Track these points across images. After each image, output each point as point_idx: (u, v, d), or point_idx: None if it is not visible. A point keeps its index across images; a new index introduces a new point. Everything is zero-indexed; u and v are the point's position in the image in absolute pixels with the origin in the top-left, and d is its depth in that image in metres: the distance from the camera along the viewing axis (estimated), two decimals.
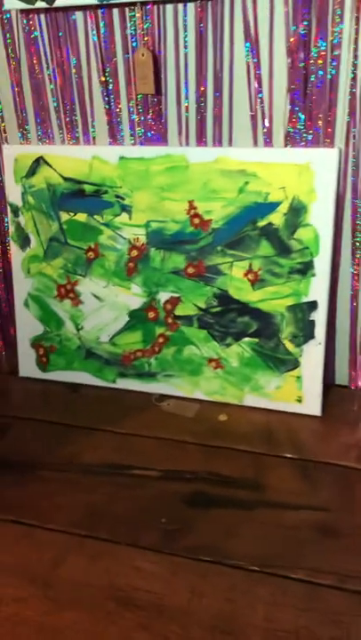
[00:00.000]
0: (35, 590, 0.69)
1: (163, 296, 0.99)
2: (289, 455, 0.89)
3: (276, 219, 0.90)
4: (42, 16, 0.91)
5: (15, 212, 1.03)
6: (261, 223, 0.91)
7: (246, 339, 0.97)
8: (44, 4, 0.87)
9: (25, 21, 0.92)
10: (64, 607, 0.67)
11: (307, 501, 0.80)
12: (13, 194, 1.02)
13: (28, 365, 1.11)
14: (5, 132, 1.02)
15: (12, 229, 1.05)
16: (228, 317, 0.97)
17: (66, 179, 0.98)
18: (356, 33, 0.79)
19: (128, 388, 1.06)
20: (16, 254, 1.06)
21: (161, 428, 0.96)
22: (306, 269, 0.91)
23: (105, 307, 1.03)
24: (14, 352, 1.14)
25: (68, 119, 0.98)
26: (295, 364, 0.95)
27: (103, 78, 0.92)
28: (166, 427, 0.97)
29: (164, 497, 0.82)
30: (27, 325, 1.09)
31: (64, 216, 1.01)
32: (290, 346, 0.95)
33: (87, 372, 1.07)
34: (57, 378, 1.10)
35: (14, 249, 1.06)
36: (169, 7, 0.85)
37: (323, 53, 0.81)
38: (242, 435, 0.94)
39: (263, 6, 0.82)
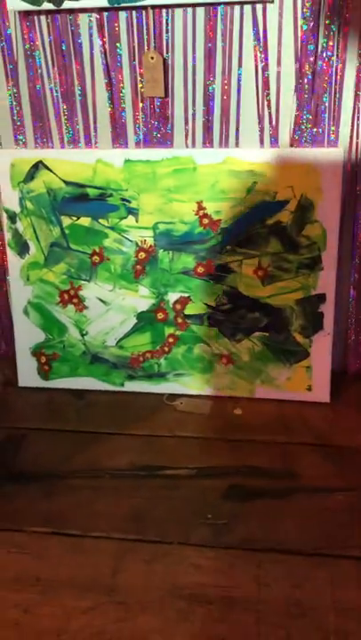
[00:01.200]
0: (100, 599, 0.69)
1: (172, 297, 1.00)
2: (309, 442, 0.93)
3: (285, 217, 0.94)
4: (42, 17, 0.89)
5: (12, 218, 1.00)
6: (270, 221, 0.94)
7: (257, 333, 1.00)
8: (50, 6, 0.85)
9: (28, 24, 0.89)
10: (135, 612, 0.67)
11: (339, 484, 0.84)
12: (10, 200, 1.00)
13: (27, 375, 1.08)
14: None
15: (8, 236, 1.02)
16: (239, 314, 0.99)
17: (68, 183, 0.97)
18: None
19: (137, 391, 1.06)
20: (14, 262, 1.03)
21: (180, 426, 0.98)
22: (314, 264, 0.95)
23: (111, 310, 1.03)
24: (9, 362, 1.12)
25: (69, 123, 0.96)
26: (305, 355, 1.00)
27: (108, 81, 0.91)
28: (185, 425, 0.98)
29: (203, 494, 0.84)
30: (26, 334, 1.06)
31: (66, 220, 0.99)
32: (299, 338, 0.99)
33: (93, 377, 1.06)
34: (60, 385, 1.08)
35: (11, 256, 1.03)
36: (178, 11, 0.86)
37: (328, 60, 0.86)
38: (260, 426, 0.97)
39: (273, 11, 0.84)
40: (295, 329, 0.99)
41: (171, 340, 1.03)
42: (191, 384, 1.04)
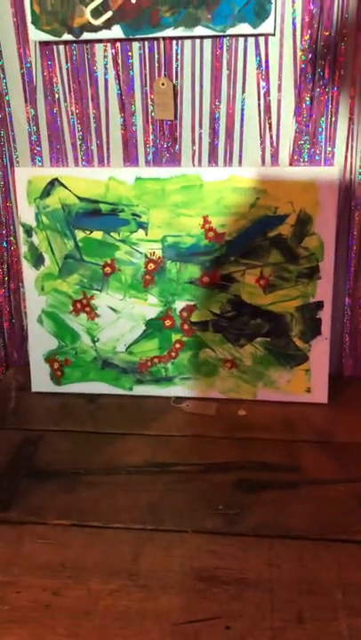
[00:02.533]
0: (124, 582, 0.74)
1: (179, 305, 1.07)
2: (311, 439, 1.00)
3: (285, 230, 1.01)
4: (61, 47, 0.96)
5: (28, 232, 1.07)
6: (271, 234, 1.01)
7: (259, 339, 1.06)
8: (69, 37, 0.93)
9: (47, 52, 0.97)
10: (157, 593, 0.73)
11: (341, 476, 0.91)
12: (26, 214, 1.06)
13: (40, 380, 1.14)
14: (17, 156, 1.06)
15: (24, 249, 1.08)
16: (242, 320, 1.06)
17: (82, 199, 1.04)
18: None
19: (145, 394, 1.12)
20: (29, 273, 1.09)
21: (188, 427, 1.03)
22: (312, 273, 1.02)
23: (121, 318, 1.09)
24: (21, 370, 1.18)
25: (84, 144, 1.03)
26: (304, 359, 1.07)
27: (121, 106, 0.99)
28: (192, 425, 1.04)
29: (214, 487, 0.89)
30: (40, 342, 1.12)
31: (80, 234, 1.06)
32: (299, 342, 1.06)
33: (104, 381, 1.12)
34: (72, 390, 1.13)
35: (27, 268, 1.09)
36: (187, 42, 0.94)
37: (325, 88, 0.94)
38: (264, 425, 1.03)
39: (274, 43, 0.93)
40: (295, 334, 1.06)
41: (177, 345, 1.09)
42: (197, 387, 1.10)
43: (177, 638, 0.67)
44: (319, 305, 1.04)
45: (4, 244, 1.12)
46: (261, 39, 0.93)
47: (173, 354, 1.10)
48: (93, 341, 1.11)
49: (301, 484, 0.90)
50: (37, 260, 1.08)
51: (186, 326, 1.08)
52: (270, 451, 0.97)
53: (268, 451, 0.97)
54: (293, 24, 0.91)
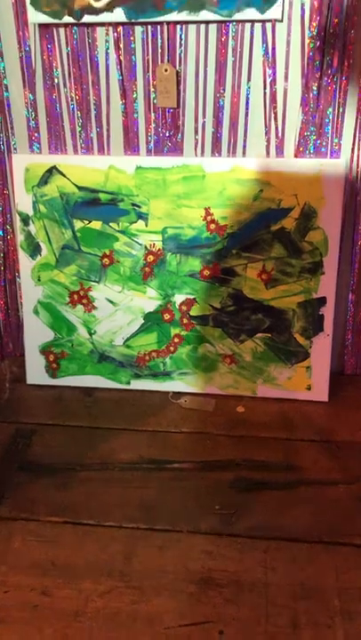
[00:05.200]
0: (115, 583, 0.73)
1: (178, 298, 1.04)
2: (310, 437, 0.97)
3: (289, 223, 0.98)
4: (61, 30, 0.93)
5: (25, 220, 1.04)
6: (275, 227, 0.99)
7: (260, 334, 1.04)
8: (70, 19, 0.89)
9: (47, 36, 0.94)
10: (150, 595, 0.71)
11: (339, 476, 0.89)
12: (24, 203, 1.03)
13: (36, 372, 1.12)
14: (15, 142, 1.03)
15: (21, 238, 1.05)
16: (243, 315, 1.04)
17: (80, 188, 1.01)
18: None
19: (143, 389, 1.10)
20: (25, 263, 1.06)
21: (185, 423, 1.01)
22: (316, 268, 1.00)
23: (119, 311, 1.06)
24: (17, 361, 1.15)
25: (83, 131, 1.00)
26: (305, 356, 1.04)
27: (122, 92, 0.96)
28: (190, 421, 1.02)
29: (211, 485, 0.88)
30: (35, 333, 1.10)
31: (78, 224, 1.03)
32: (300, 339, 1.04)
33: (100, 375, 1.10)
34: (68, 383, 1.11)
35: (23, 258, 1.06)
36: (191, 27, 0.91)
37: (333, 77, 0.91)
38: (262, 423, 1.01)
39: (281, 29, 0.90)
40: (296, 330, 1.03)
41: (176, 339, 1.07)
42: (195, 383, 1.08)
43: None
44: (322, 301, 1.01)
45: (0, 233, 1.09)
46: (268, 25, 0.89)
47: (172, 348, 1.07)
48: (90, 334, 1.08)
49: (300, 484, 0.88)
50: (34, 250, 1.05)
51: (185, 320, 1.05)
52: (269, 449, 0.95)
53: (266, 449, 0.95)
54: (302, 10, 0.88)
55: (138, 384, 1.10)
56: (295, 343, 1.04)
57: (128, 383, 1.10)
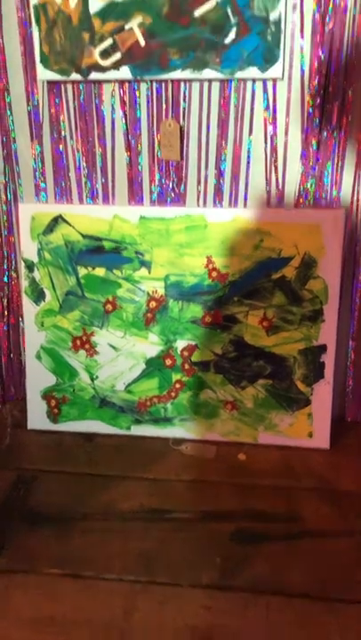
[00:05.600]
0: None
1: (180, 344, 1.05)
2: (312, 486, 0.97)
3: (289, 272, 1.00)
4: (69, 86, 0.97)
5: (30, 267, 1.06)
6: (275, 276, 1.00)
7: (261, 381, 1.05)
8: (78, 77, 0.93)
9: (55, 91, 0.97)
10: None
11: (342, 527, 0.88)
12: (29, 250, 1.05)
13: (37, 417, 1.12)
14: (22, 192, 1.05)
15: (25, 284, 1.07)
16: (244, 362, 1.04)
17: (85, 236, 1.03)
18: None
19: (143, 435, 1.09)
20: (29, 308, 1.07)
21: (186, 470, 1.01)
22: (316, 316, 1.01)
23: (121, 356, 1.07)
24: (18, 405, 1.15)
25: (89, 182, 1.02)
26: (306, 403, 1.04)
27: (127, 145, 0.99)
28: (191, 469, 1.01)
29: (211, 537, 0.86)
30: (37, 378, 1.10)
31: (82, 270, 1.04)
32: (301, 386, 1.04)
33: (101, 420, 1.10)
34: (68, 428, 1.11)
35: (27, 303, 1.07)
36: (195, 84, 0.94)
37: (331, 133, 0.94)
38: (264, 471, 1.01)
39: (282, 87, 0.93)
40: (298, 377, 1.04)
41: (178, 385, 1.07)
42: (196, 429, 1.08)
43: None
44: (322, 348, 1.02)
45: (6, 279, 1.11)
46: (269, 82, 0.93)
47: (173, 394, 1.07)
48: (92, 379, 1.09)
49: (302, 536, 0.87)
50: (38, 296, 1.07)
51: (187, 366, 1.06)
52: (270, 498, 0.94)
53: (268, 498, 0.94)
54: (302, 69, 0.91)
55: (139, 429, 1.09)
56: (296, 390, 1.04)
57: (129, 429, 1.10)
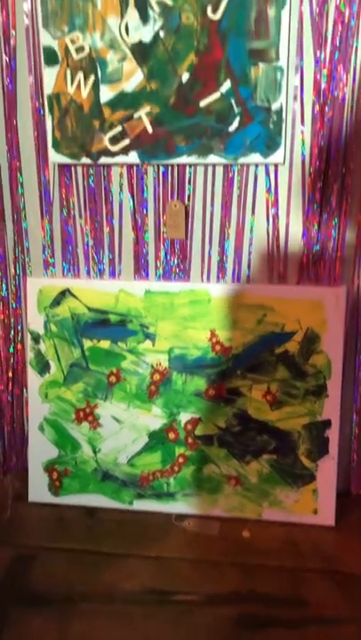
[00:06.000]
0: None
1: (183, 417, 1.05)
2: (317, 567, 0.94)
3: (292, 346, 1.01)
4: (79, 169, 1.01)
5: (36, 339, 1.07)
6: (278, 350, 1.01)
7: (265, 455, 1.04)
8: (88, 161, 0.97)
9: (66, 172, 1.01)
10: None
11: (349, 613, 0.85)
12: (35, 322, 1.07)
13: (38, 490, 1.10)
14: (30, 268, 1.08)
15: (31, 356, 1.08)
16: (248, 436, 1.04)
17: (91, 309, 1.05)
18: None
19: (145, 510, 1.07)
20: (33, 380, 1.08)
21: (189, 548, 0.99)
22: (320, 391, 1.01)
23: (124, 429, 1.07)
24: (20, 476, 1.14)
25: (96, 258, 1.05)
26: (311, 478, 1.03)
27: (134, 224, 1.02)
28: (194, 547, 0.99)
29: (216, 622, 0.84)
30: (40, 449, 1.09)
31: (87, 343, 1.06)
32: (306, 461, 1.03)
33: (103, 494, 1.08)
34: (70, 502, 1.09)
35: (32, 374, 1.08)
36: (200, 168, 0.98)
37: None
38: (269, 550, 0.98)
39: (283, 171, 0.97)
40: (302, 452, 1.03)
41: (181, 459, 1.06)
42: (200, 504, 1.06)
43: None
44: (327, 423, 1.02)
45: (11, 350, 1.12)
46: (271, 167, 0.97)
47: (176, 468, 1.06)
48: (95, 452, 1.08)
49: (308, 622, 0.84)
50: (43, 368, 1.08)
51: (190, 440, 1.06)
52: (276, 580, 0.91)
53: (273, 580, 0.91)
54: (303, 155, 0.95)
55: (141, 504, 1.08)
56: (301, 465, 1.03)
57: (131, 503, 1.08)
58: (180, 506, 1.07)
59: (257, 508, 1.05)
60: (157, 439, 1.06)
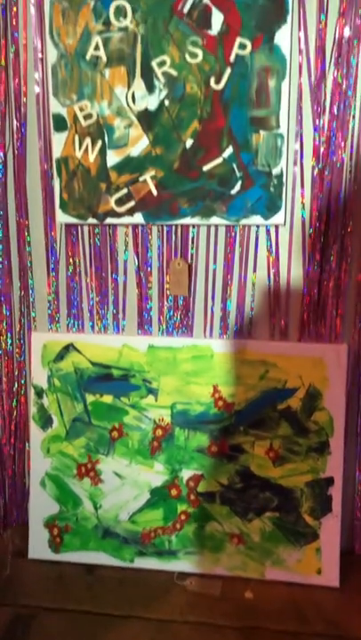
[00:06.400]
0: None
1: (186, 473, 1.05)
2: (321, 631, 0.92)
3: (294, 403, 1.01)
4: (85, 229, 1.04)
5: (39, 394, 1.08)
6: (281, 406, 1.02)
7: (268, 513, 1.03)
8: (94, 221, 1.00)
9: (73, 231, 1.04)
10: None
11: None
12: (39, 376, 1.08)
13: (38, 546, 1.09)
14: (35, 323, 1.10)
15: (33, 410, 1.08)
16: (251, 493, 1.03)
17: (94, 363, 1.06)
18: None
19: (146, 568, 1.06)
20: (36, 434, 1.08)
21: (191, 610, 0.97)
22: (322, 448, 1.01)
23: (126, 485, 1.06)
24: (20, 532, 1.13)
25: (100, 313, 1.07)
26: (314, 537, 1.02)
27: (138, 281, 1.04)
28: (196, 609, 0.97)
29: None
30: (41, 505, 1.09)
31: (90, 397, 1.06)
32: (309, 519, 1.02)
33: (104, 551, 1.07)
34: (70, 559, 1.08)
35: (34, 429, 1.08)
36: (202, 228, 1.01)
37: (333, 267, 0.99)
38: (272, 612, 0.96)
39: (284, 231, 1.00)
40: (305, 510, 1.02)
41: (183, 517, 1.05)
42: (202, 563, 1.05)
43: None
44: (330, 481, 1.01)
45: (14, 404, 1.13)
46: (272, 227, 1.00)
47: (178, 525, 1.05)
48: (96, 508, 1.07)
49: None
50: (46, 422, 1.08)
51: (192, 496, 1.05)
52: None
53: None
54: (303, 217, 0.98)
55: (142, 562, 1.06)
56: (304, 524, 1.02)
57: (132, 561, 1.07)
58: (181, 564, 1.05)
59: (259, 567, 1.03)
60: (159, 496, 1.06)
